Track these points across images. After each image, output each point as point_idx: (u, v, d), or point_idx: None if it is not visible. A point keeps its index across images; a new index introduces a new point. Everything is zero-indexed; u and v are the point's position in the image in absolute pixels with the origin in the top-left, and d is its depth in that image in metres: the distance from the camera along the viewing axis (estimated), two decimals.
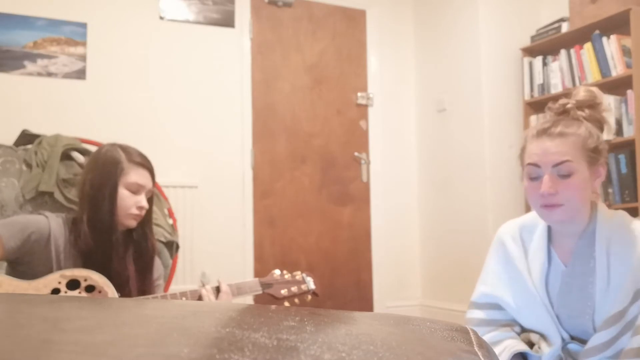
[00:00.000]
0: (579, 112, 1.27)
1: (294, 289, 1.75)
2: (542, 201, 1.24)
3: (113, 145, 1.69)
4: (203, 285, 1.67)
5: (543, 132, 1.25)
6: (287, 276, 1.77)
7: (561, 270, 1.31)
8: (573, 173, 1.22)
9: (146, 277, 1.69)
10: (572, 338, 1.29)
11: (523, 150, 1.31)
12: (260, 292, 1.72)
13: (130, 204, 1.62)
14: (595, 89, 1.31)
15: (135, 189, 1.63)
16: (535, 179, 1.26)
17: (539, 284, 1.32)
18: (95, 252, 1.58)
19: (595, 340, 1.21)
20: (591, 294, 1.25)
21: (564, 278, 1.30)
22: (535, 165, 1.25)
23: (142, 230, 1.70)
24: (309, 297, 1.79)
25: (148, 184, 1.67)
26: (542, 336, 1.32)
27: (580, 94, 1.30)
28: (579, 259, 1.28)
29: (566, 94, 1.35)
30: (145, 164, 1.68)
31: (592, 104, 1.29)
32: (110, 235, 1.60)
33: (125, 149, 1.68)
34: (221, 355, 0.34)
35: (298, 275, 1.78)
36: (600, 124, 1.29)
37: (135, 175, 1.63)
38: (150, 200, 1.69)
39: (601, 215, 1.28)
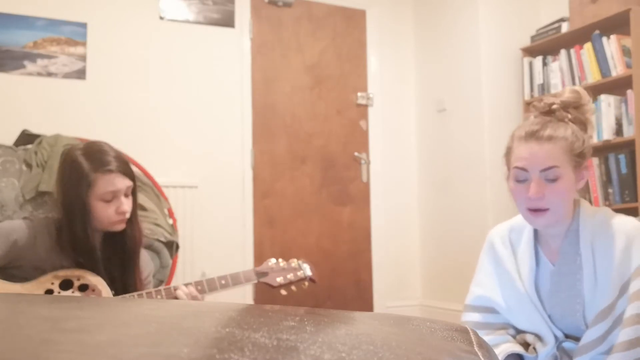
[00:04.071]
0: (564, 113, 1.28)
1: (290, 276, 1.70)
2: (529, 204, 1.26)
3: (76, 151, 1.53)
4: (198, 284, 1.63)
5: (531, 135, 1.26)
6: (282, 264, 1.71)
7: (549, 270, 1.33)
8: (559, 178, 1.24)
9: (130, 272, 1.62)
10: (567, 336, 1.31)
11: (509, 151, 1.32)
12: (256, 281, 1.66)
13: (109, 213, 1.51)
14: (580, 90, 1.32)
15: (110, 197, 1.51)
16: (522, 181, 1.27)
17: (529, 285, 1.34)
18: (77, 261, 1.54)
19: (587, 337, 1.23)
20: (580, 291, 1.27)
21: (553, 277, 1.31)
22: (523, 169, 1.26)
23: (123, 230, 1.60)
24: (306, 284, 1.72)
25: (122, 186, 1.52)
26: (537, 336, 1.33)
27: (566, 94, 1.31)
28: (566, 257, 1.30)
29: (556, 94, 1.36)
30: (115, 168, 1.51)
31: (577, 105, 1.30)
32: (89, 248, 1.54)
33: (89, 154, 1.52)
34: (221, 355, 0.34)
35: (294, 262, 1.72)
36: (584, 125, 1.31)
37: (105, 184, 1.49)
38: (132, 194, 1.58)
39: (584, 212, 1.30)
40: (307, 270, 1.73)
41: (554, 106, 1.29)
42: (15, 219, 1.78)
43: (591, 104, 1.35)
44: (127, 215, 1.56)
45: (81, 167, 1.50)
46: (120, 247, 1.61)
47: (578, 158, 1.26)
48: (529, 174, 1.25)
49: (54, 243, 1.55)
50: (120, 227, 1.57)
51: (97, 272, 1.55)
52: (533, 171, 1.24)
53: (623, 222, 1.26)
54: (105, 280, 1.56)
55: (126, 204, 1.54)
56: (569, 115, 1.29)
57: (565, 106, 1.29)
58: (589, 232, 1.27)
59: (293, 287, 1.72)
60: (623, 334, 1.17)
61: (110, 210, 1.52)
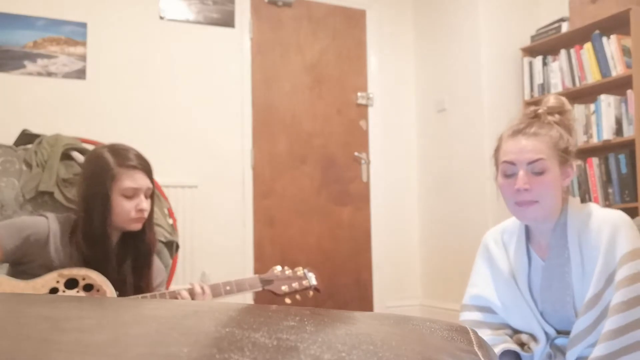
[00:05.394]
0: (550, 117, 1.35)
1: (295, 285, 1.70)
2: (517, 197, 1.30)
3: (102, 148, 1.60)
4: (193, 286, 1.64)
5: (518, 132, 1.33)
6: (287, 272, 1.72)
7: (541, 266, 1.36)
8: (546, 171, 1.28)
9: (142, 278, 1.64)
10: (560, 332, 1.33)
11: (497, 149, 1.38)
12: (260, 289, 1.67)
13: (128, 209, 1.55)
14: (563, 98, 1.39)
15: (131, 194, 1.55)
16: (510, 176, 1.32)
17: (522, 283, 1.37)
18: (91, 259, 1.55)
19: (577, 327, 1.25)
20: (569, 283, 1.29)
21: (544, 272, 1.34)
22: (511, 162, 1.31)
23: (140, 230, 1.63)
24: (311, 293, 1.74)
25: (144, 185, 1.58)
26: (531, 336, 1.35)
27: (551, 101, 1.38)
28: (555, 251, 1.33)
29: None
30: (138, 165, 1.58)
31: (561, 111, 1.36)
32: (105, 244, 1.56)
33: (115, 151, 1.58)
34: (221, 355, 0.34)
35: (299, 271, 1.73)
36: (569, 129, 1.36)
37: (128, 180, 1.55)
38: (150, 198, 1.62)
39: (572, 207, 1.34)
40: (312, 279, 1.74)
41: (540, 111, 1.36)
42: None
43: (573, 111, 1.41)
44: (146, 215, 1.59)
45: (106, 161, 1.55)
46: (136, 248, 1.64)
47: (563, 153, 1.31)
48: (516, 168, 1.30)
49: (67, 241, 1.56)
50: (137, 226, 1.59)
51: (108, 268, 1.56)
52: (520, 164, 1.29)
53: (609, 213, 1.30)
54: (115, 279, 1.56)
55: (145, 204, 1.58)
56: (554, 119, 1.35)
57: (550, 111, 1.36)
58: (576, 225, 1.31)
59: (298, 296, 1.72)
60: (609, 323, 1.19)
61: (130, 206, 1.55)
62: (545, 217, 1.30)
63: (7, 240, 1.50)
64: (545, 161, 1.28)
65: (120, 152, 1.58)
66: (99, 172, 1.55)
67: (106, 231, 1.55)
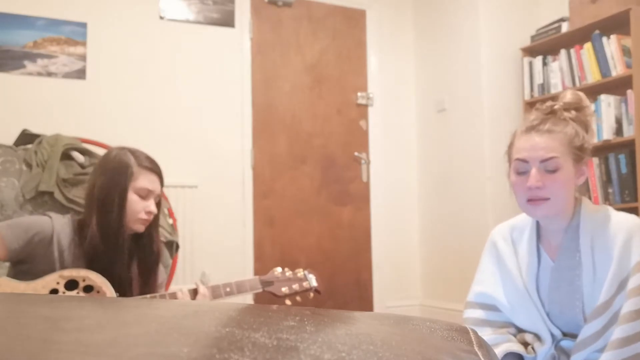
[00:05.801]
0: (566, 114, 1.31)
1: (296, 286, 1.71)
2: (529, 195, 1.27)
3: (122, 149, 1.67)
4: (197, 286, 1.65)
5: (532, 129, 1.30)
6: (288, 274, 1.73)
7: (550, 267, 1.34)
8: (559, 168, 1.26)
9: (149, 281, 1.67)
10: (565, 335, 1.31)
11: (511, 146, 1.35)
12: (261, 290, 1.68)
13: (139, 209, 1.60)
14: (581, 94, 1.36)
15: (144, 194, 1.62)
16: (522, 173, 1.29)
17: (529, 282, 1.35)
18: (100, 256, 1.56)
19: (585, 333, 1.23)
20: (579, 287, 1.28)
21: (553, 273, 1.32)
22: (524, 160, 1.28)
23: (148, 234, 1.67)
24: (312, 294, 1.75)
25: (157, 188, 1.65)
26: (536, 336, 1.34)
27: (568, 96, 1.34)
28: (565, 253, 1.31)
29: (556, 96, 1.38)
30: (155, 169, 1.66)
31: (578, 107, 1.33)
32: (118, 239, 1.58)
33: (134, 152, 1.66)
34: (221, 355, 0.34)
35: (300, 272, 1.74)
36: (585, 126, 1.33)
37: (144, 180, 1.62)
38: (158, 205, 1.68)
39: (585, 209, 1.31)
40: (312, 280, 1.74)
41: (556, 107, 1.32)
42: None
43: (591, 107, 1.37)
44: (151, 218, 1.64)
45: (127, 159, 1.62)
46: (144, 254, 1.67)
47: (578, 151, 1.28)
48: (529, 165, 1.27)
49: (71, 241, 1.58)
50: (141, 228, 1.63)
51: (118, 265, 1.58)
52: (533, 162, 1.27)
53: (624, 218, 1.27)
54: (122, 278, 1.58)
55: (154, 207, 1.64)
56: (570, 115, 1.31)
57: (567, 107, 1.32)
58: (589, 228, 1.28)
59: (298, 298, 1.73)
60: (618, 331, 1.17)
61: (140, 206, 1.61)
62: (556, 213, 1.28)
63: (12, 240, 1.51)
64: (559, 159, 1.25)
65: (138, 154, 1.66)
66: (120, 167, 1.61)
67: (122, 225, 1.59)
